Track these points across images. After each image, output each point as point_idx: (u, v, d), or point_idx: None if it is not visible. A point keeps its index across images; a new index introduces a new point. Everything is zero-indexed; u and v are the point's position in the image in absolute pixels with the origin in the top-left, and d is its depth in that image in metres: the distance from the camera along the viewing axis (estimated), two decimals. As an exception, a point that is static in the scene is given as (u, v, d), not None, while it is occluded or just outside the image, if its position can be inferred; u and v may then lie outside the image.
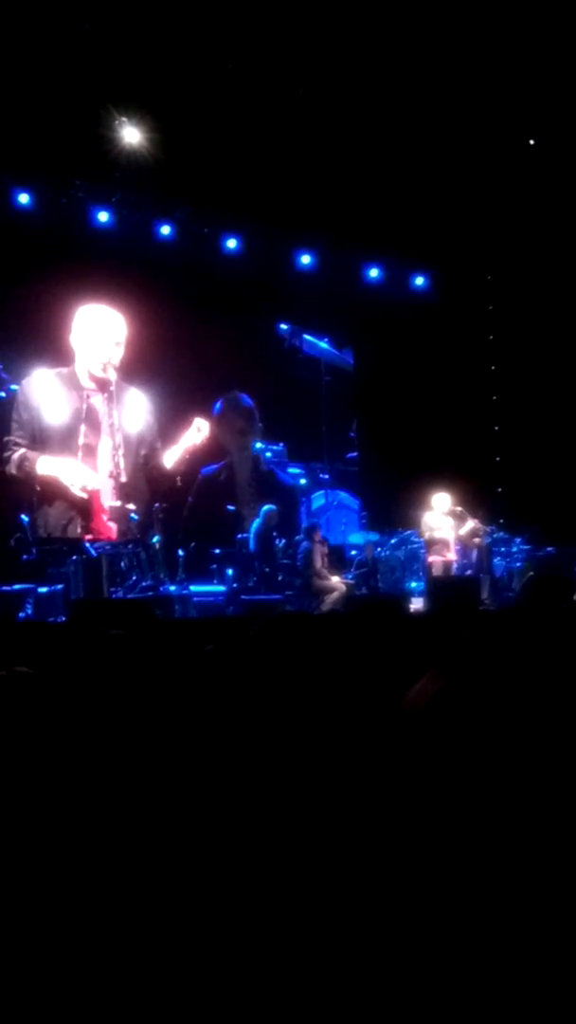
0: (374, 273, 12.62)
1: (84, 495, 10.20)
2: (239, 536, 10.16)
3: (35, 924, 1.16)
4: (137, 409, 11.10)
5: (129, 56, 8.44)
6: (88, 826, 1.34)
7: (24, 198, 10.37)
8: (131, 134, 9.65)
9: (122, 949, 1.12)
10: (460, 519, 9.73)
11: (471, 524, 9.80)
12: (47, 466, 10.20)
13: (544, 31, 8.37)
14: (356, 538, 11.68)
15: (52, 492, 10.13)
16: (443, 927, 0.83)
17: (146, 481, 11.02)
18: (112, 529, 10.23)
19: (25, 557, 8.53)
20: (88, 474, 10.38)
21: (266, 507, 10.03)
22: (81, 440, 10.62)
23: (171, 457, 11.09)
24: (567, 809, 0.80)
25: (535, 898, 0.80)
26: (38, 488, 10.01)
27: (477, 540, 9.95)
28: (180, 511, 10.99)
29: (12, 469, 10.13)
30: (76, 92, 8.79)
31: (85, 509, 10.28)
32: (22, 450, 10.22)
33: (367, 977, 0.93)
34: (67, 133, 9.38)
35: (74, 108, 9.00)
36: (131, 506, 10.02)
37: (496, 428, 12.81)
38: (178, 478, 10.93)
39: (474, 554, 9.96)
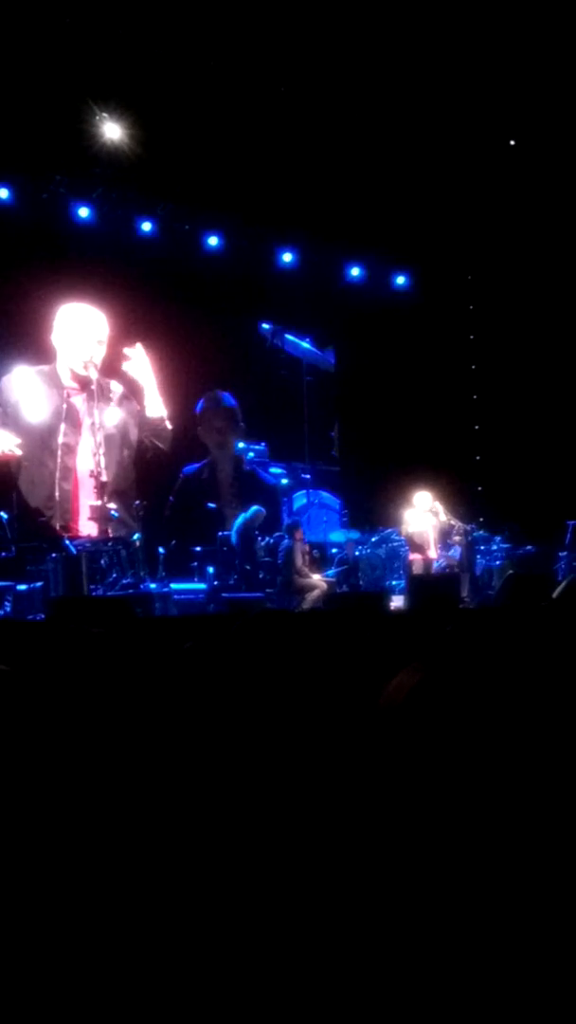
0: (355, 272, 12.64)
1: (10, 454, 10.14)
2: (220, 534, 10.15)
3: (14, 922, 1.16)
4: (120, 405, 11.07)
5: (110, 51, 8.40)
6: (69, 824, 1.33)
7: (3, 193, 10.29)
8: (112, 130, 9.61)
9: (104, 949, 1.12)
10: (440, 517, 9.77)
11: (451, 522, 9.85)
12: None
13: (524, 34, 8.42)
14: (337, 536, 11.70)
15: (7, 476, 10.00)
16: (426, 914, 0.84)
17: (143, 458, 11.07)
18: (92, 527, 10.18)
19: (4, 554, 8.47)
20: (6, 437, 10.27)
21: (255, 507, 10.04)
22: (61, 439, 10.57)
23: (151, 407, 11.17)
24: (542, 799, 0.81)
25: (511, 882, 0.80)
26: None
27: (457, 538, 10.01)
28: (162, 509, 10.96)
29: None
30: (57, 87, 8.73)
31: (59, 504, 10.25)
32: None
33: (350, 965, 0.93)
34: (48, 128, 9.32)
35: (55, 103, 8.94)
36: (112, 505, 9.97)
37: (476, 427, 12.88)
38: (166, 421, 11.07)
39: (458, 551, 10.00)
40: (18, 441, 10.23)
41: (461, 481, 11.69)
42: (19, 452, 10.19)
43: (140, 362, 11.12)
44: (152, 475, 11.24)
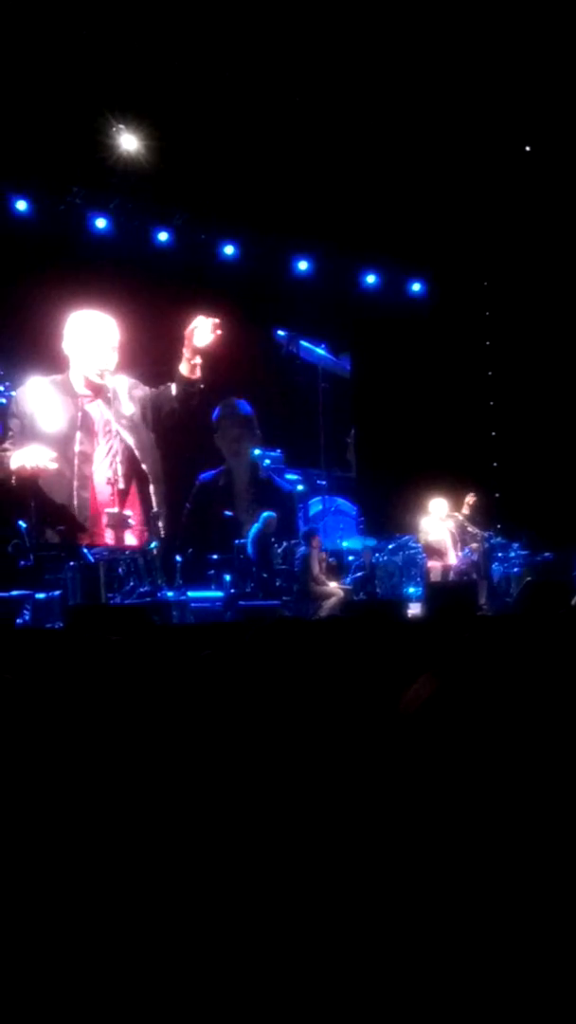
0: (371, 279, 12.65)
1: (53, 465, 10.25)
2: (237, 542, 10.16)
3: (29, 929, 1.16)
4: (131, 397, 11.12)
5: (126, 63, 8.47)
6: (86, 830, 1.33)
7: (22, 205, 10.39)
8: (128, 141, 9.68)
9: (116, 951, 1.12)
10: (458, 524, 9.72)
11: (469, 529, 9.80)
12: (16, 459, 10.19)
13: (538, 39, 8.41)
14: (354, 544, 11.67)
15: (27, 486, 10.09)
16: (438, 923, 0.83)
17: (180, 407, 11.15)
18: (109, 535, 10.24)
19: (23, 563, 8.52)
20: (46, 455, 10.36)
21: (266, 513, 10.02)
22: (77, 448, 10.62)
23: (187, 367, 11.28)
24: (559, 809, 0.80)
25: (527, 894, 0.80)
26: (14, 483, 9.97)
27: (475, 545, 9.95)
28: (179, 517, 10.98)
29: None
30: (73, 99, 8.81)
31: (78, 512, 10.29)
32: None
33: (363, 972, 0.93)
34: (65, 140, 9.40)
35: (71, 115, 9.02)
36: (128, 512, 10.02)
37: (493, 433, 12.83)
38: (200, 383, 11.21)
39: (475, 556, 9.94)
40: (53, 455, 10.32)
41: (478, 488, 11.64)
42: (55, 465, 10.29)
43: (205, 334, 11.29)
44: (169, 482, 11.28)
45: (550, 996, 0.79)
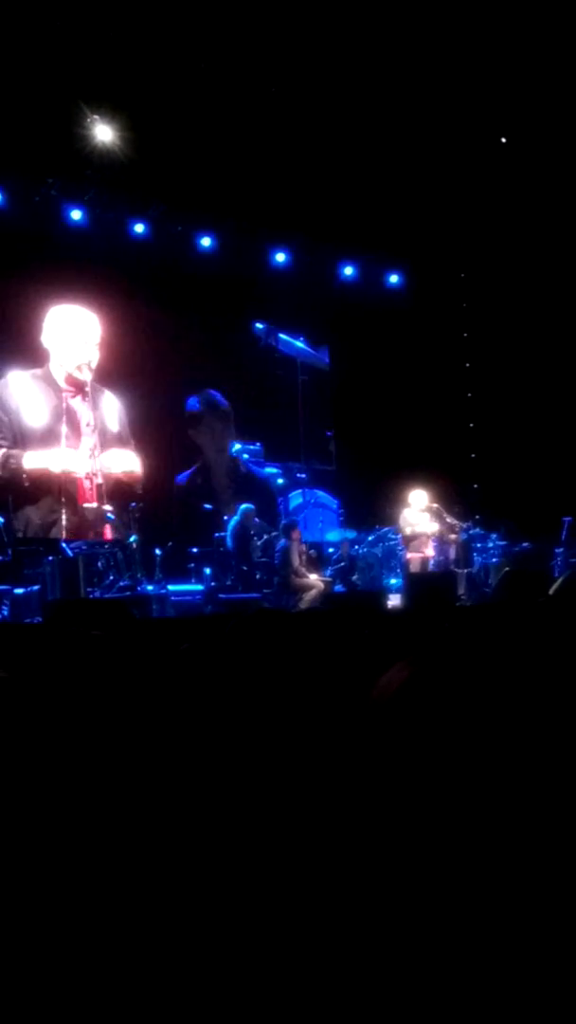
0: (349, 271, 12.65)
1: (72, 478, 10.24)
2: (216, 535, 10.14)
3: (14, 923, 1.16)
4: (112, 410, 11.08)
5: (101, 54, 8.39)
6: (69, 825, 1.33)
7: (-4, 196, 10.27)
8: (104, 132, 9.60)
9: (103, 949, 1.12)
10: (437, 516, 9.78)
11: (448, 520, 9.86)
12: (34, 460, 10.14)
13: (514, 32, 8.43)
14: (334, 536, 11.70)
15: (40, 487, 10.06)
16: (420, 910, 0.84)
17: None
18: (89, 529, 10.19)
19: (0, 558, 8.45)
20: (73, 460, 10.38)
21: (243, 506, 10.01)
22: (63, 442, 10.55)
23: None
24: (534, 796, 0.81)
25: (502, 877, 0.81)
26: (27, 484, 9.93)
27: (454, 536, 10.01)
28: (157, 511, 10.91)
29: None
30: (48, 90, 8.72)
31: (72, 503, 10.26)
32: (3, 450, 10.14)
33: (344, 962, 0.93)
34: (39, 131, 9.30)
35: (46, 106, 8.93)
36: (107, 507, 9.97)
37: (471, 425, 12.89)
38: (138, 486, 10.91)
39: (452, 550, 10.02)
40: (77, 458, 10.41)
41: (457, 479, 11.69)
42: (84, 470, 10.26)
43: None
44: (148, 477, 11.22)
45: (533, 994, 0.80)
